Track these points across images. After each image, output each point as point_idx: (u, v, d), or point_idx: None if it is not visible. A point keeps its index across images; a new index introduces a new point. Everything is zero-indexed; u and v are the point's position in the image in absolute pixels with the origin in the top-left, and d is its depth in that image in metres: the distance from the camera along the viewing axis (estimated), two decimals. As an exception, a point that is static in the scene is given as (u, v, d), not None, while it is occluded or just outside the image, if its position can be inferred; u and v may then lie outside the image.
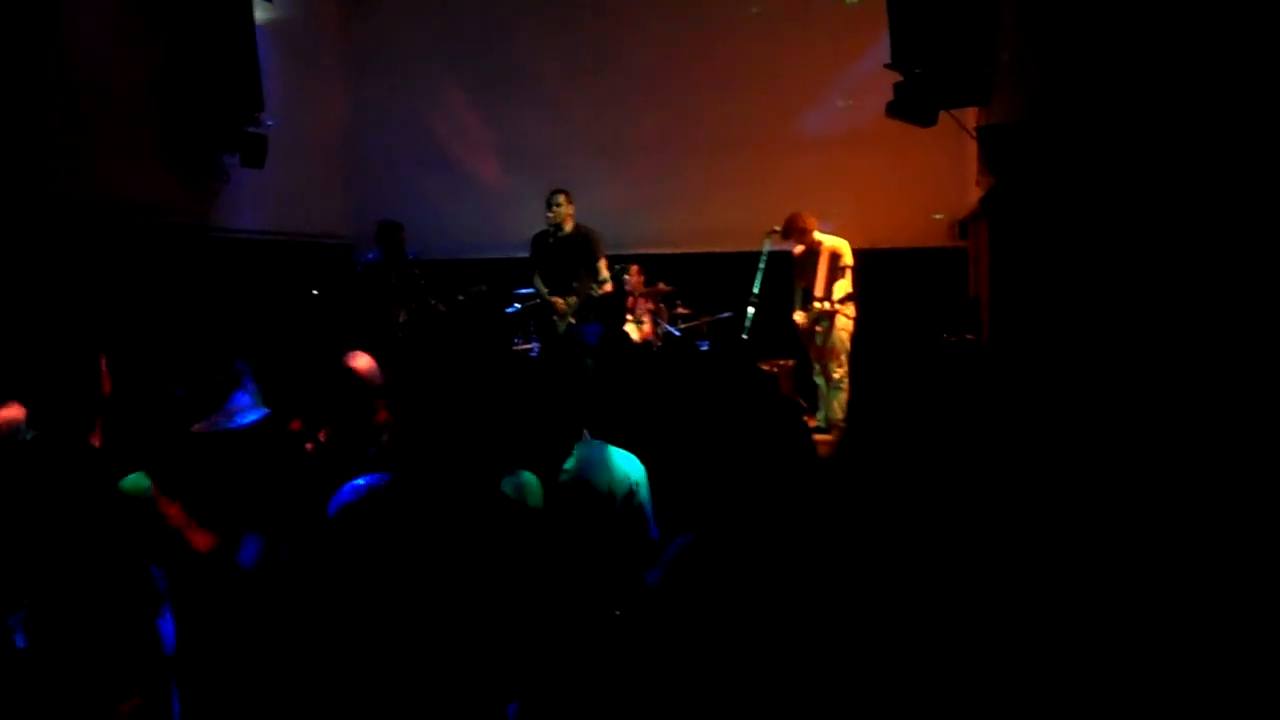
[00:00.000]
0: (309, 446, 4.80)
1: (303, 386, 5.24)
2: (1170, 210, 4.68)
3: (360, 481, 2.92)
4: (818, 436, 9.58)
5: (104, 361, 3.86)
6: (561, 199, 9.76)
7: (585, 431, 4.10)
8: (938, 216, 11.12)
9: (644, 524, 4.06)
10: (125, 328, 8.30)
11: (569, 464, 3.98)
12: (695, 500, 3.27)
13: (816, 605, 2.59)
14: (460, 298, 10.35)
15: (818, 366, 10.23)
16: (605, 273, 9.73)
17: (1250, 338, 3.95)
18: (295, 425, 4.66)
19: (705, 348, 10.75)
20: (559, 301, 9.80)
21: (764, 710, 2.56)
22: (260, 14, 10.71)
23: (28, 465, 3.67)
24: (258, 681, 4.32)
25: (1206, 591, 3.03)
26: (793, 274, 10.23)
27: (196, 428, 4.67)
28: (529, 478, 3.41)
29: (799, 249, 10.17)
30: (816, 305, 9.88)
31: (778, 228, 10.11)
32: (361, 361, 5.14)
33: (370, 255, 10.51)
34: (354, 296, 10.41)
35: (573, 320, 9.71)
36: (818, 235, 10.00)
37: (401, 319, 10.19)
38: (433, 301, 10.24)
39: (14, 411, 4.59)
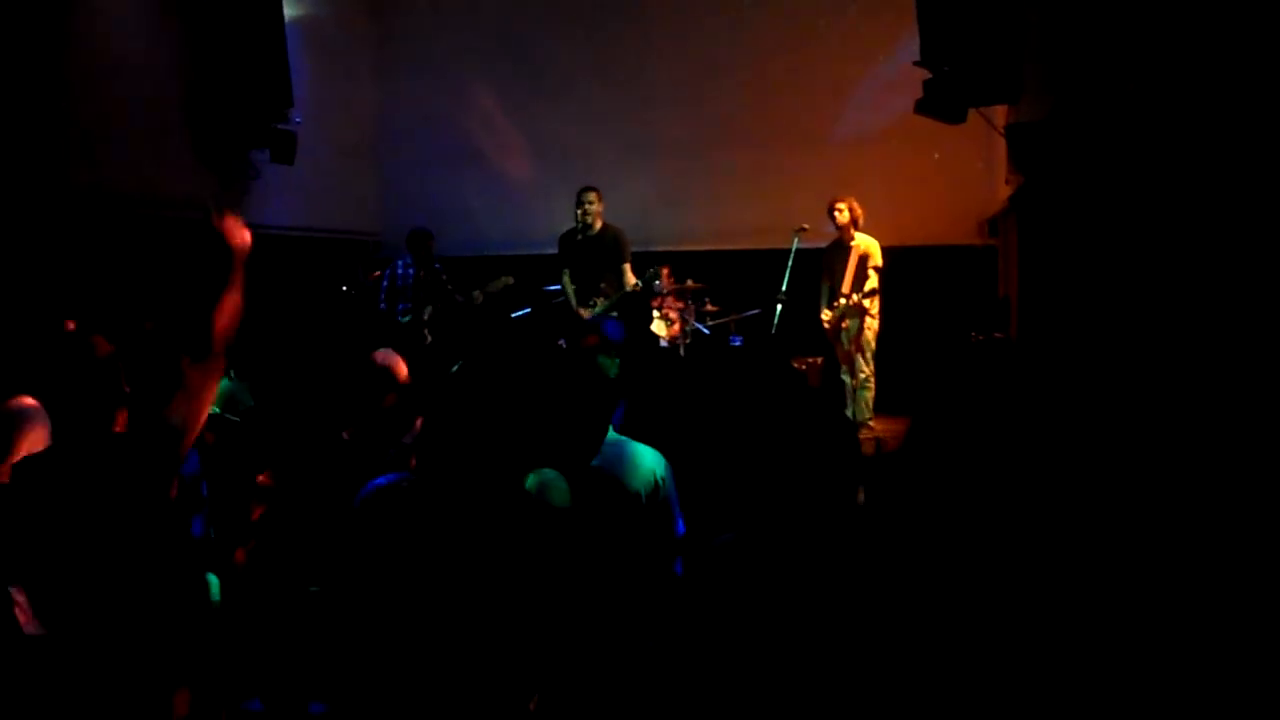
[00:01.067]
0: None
1: (328, 383, 5.25)
2: (1201, 207, 4.65)
3: (382, 480, 2.91)
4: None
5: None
6: (593, 197, 9.72)
7: (611, 428, 4.10)
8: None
9: (670, 520, 4.05)
10: (155, 322, 8.34)
11: (596, 460, 3.98)
12: (731, 497, 3.26)
13: (851, 605, 2.58)
14: (489, 289, 10.34)
15: (845, 365, 10.20)
16: (631, 278, 9.67)
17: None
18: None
19: (738, 343, 10.72)
20: (584, 313, 9.78)
21: (796, 709, 2.55)
22: (290, 10, 10.75)
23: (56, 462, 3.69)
24: (285, 675, 4.35)
25: (1248, 590, 3.00)
26: (821, 270, 10.20)
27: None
28: (552, 475, 3.40)
29: (829, 244, 10.14)
30: (842, 301, 9.86)
31: (806, 225, 10.08)
32: (388, 359, 5.14)
33: (399, 261, 10.54)
34: (383, 302, 10.43)
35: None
36: (853, 230, 9.95)
37: (427, 315, 10.22)
38: (460, 298, 10.27)
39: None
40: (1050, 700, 2.55)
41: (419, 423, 4.67)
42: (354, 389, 5.06)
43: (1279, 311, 3.98)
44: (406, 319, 10.25)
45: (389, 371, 5.05)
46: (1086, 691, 2.58)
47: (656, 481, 3.99)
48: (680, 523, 4.08)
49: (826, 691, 2.55)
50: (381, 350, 5.26)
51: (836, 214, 9.94)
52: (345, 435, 4.80)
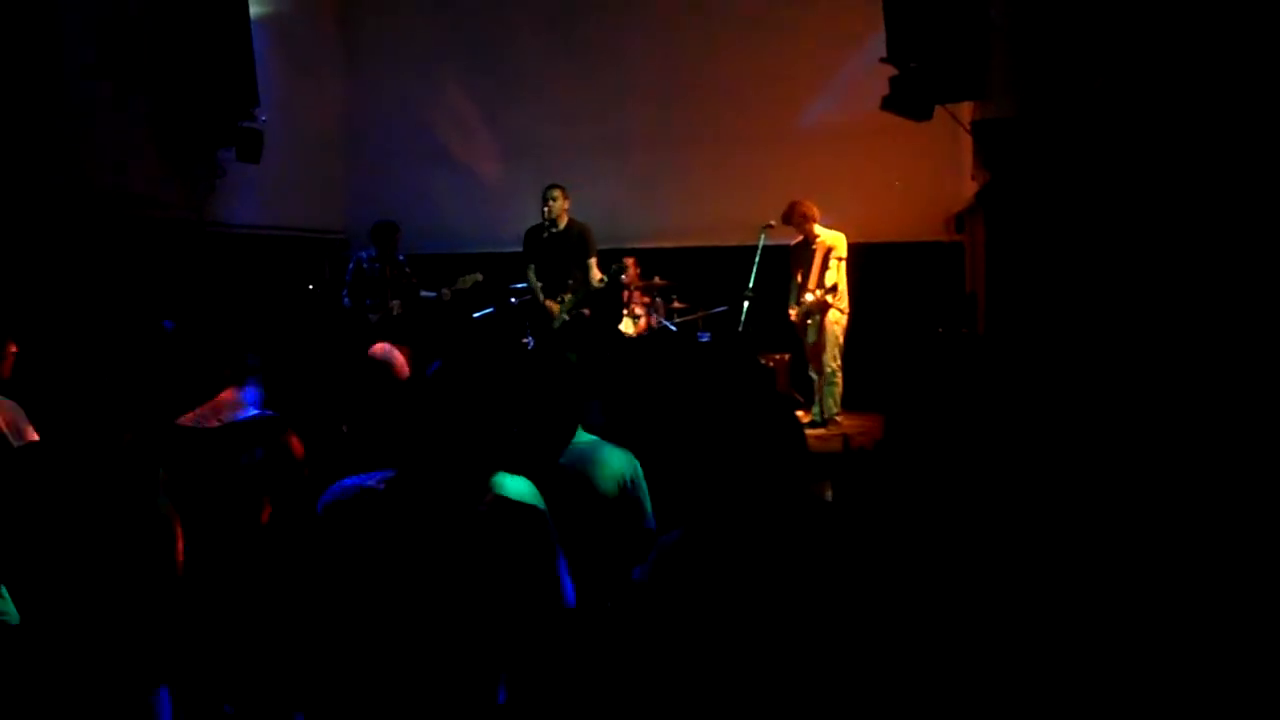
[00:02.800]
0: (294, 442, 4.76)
1: (328, 380, 5.21)
2: (1168, 203, 4.68)
3: (350, 481, 2.90)
4: (812, 431, 9.60)
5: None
6: (557, 194, 9.74)
7: (579, 427, 4.09)
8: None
9: (641, 520, 4.05)
10: (121, 322, 8.31)
11: (563, 459, 3.98)
12: (687, 495, 3.27)
13: (808, 602, 2.58)
14: (457, 287, 10.32)
15: (812, 361, 10.24)
16: (597, 271, 9.69)
17: (1244, 333, 3.96)
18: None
19: (706, 339, 10.75)
20: (553, 305, 9.78)
21: (749, 707, 2.55)
22: (256, 8, 10.69)
23: (48, 461, 3.68)
24: (252, 675, 4.33)
25: (1204, 589, 3.02)
26: (790, 266, 10.25)
27: (183, 420, 4.66)
28: (517, 482, 3.36)
29: (796, 240, 10.19)
30: (807, 297, 9.91)
31: (773, 221, 10.13)
32: (387, 354, 5.12)
33: (363, 253, 10.49)
34: (346, 297, 10.38)
35: (566, 318, 9.69)
36: (817, 228, 10.01)
37: (395, 311, 10.19)
38: (424, 294, 10.27)
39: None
40: (1011, 699, 2.56)
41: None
42: (352, 383, 5.04)
43: (1246, 306, 4.01)
44: (374, 316, 10.20)
45: (387, 366, 5.03)
46: (1049, 691, 2.59)
47: (625, 481, 3.99)
48: (651, 522, 4.08)
49: (770, 690, 2.55)
50: (379, 344, 5.23)
51: (798, 223, 10.03)
52: (344, 429, 4.77)
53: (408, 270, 10.37)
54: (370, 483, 2.85)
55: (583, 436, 4.05)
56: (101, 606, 3.53)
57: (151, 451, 3.85)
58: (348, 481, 2.89)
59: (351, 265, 10.46)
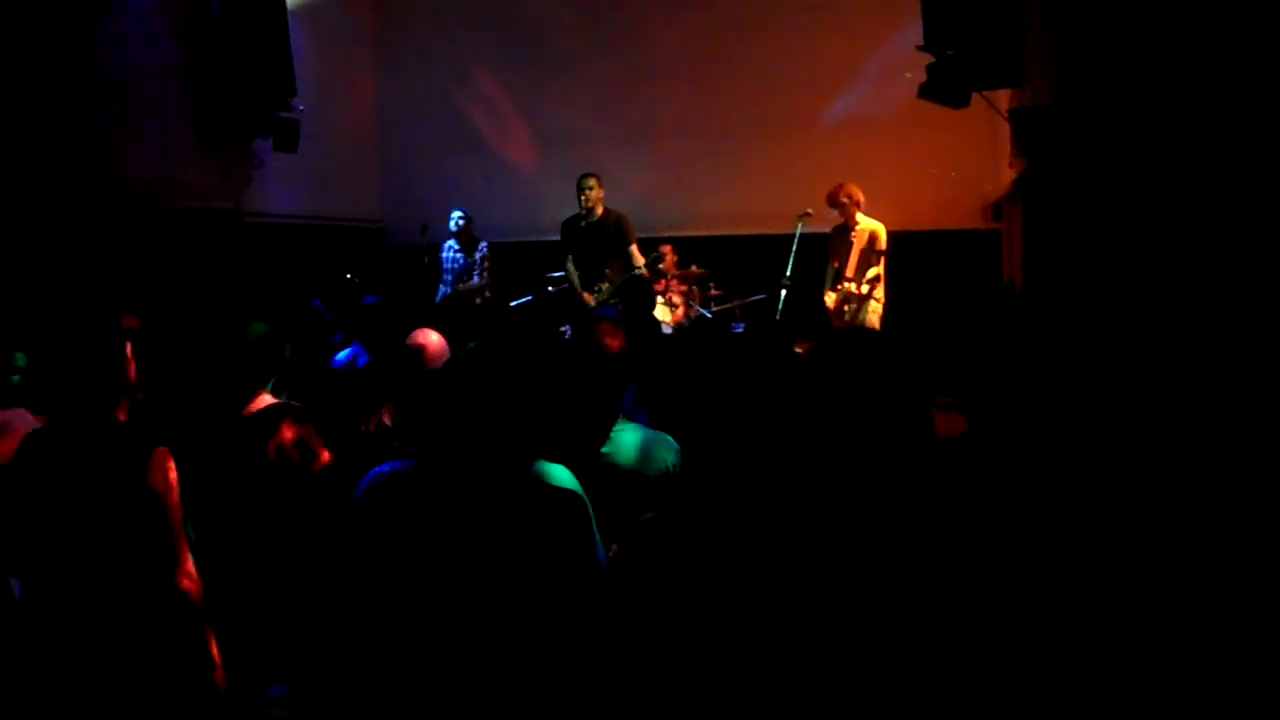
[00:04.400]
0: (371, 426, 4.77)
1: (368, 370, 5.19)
2: (1209, 192, 4.64)
3: (384, 467, 2.90)
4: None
5: (129, 347, 3.87)
6: (592, 182, 9.74)
7: (622, 415, 4.10)
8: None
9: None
10: (161, 311, 8.36)
11: (605, 448, 3.98)
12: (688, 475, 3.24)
13: (798, 590, 2.55)
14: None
15: (849, 350, 10.18)
16: (640, 257, 9.69)
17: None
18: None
19: (740, 329, 10.72)
20: (589, 297, 9.79)
21: (716, 691, 2.53)
22: (292, -1, 10.77)
23: (55, 445, 3.71)
24: (294, 660, 4.35)
25: (1257, 581, 2.98)
26: (827, 253, 10.20)
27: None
28: (557, 471, 3.37)
29: (834, 226, 10.13)
30: (846, 286, 9.86)
31: (810, 210, 10.08)
32: (431, 339, 5.08)
33: (445, 246, 10.79)
34: (444, 296, 10.67)
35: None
36: (859, 215, 9.95)
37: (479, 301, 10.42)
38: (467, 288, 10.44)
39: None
40: (1023, 699, 2.54)
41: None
42: (389, 372, 5.01)
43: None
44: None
45: (418, 352, 4.98)
46: (1066, 691, 2.56)
47: (667, 469, 3.99)
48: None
49: (739, 676, 2.53)
50: (421, 330, 5.19)
51: (842, 205, 9.95)
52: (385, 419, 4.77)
53: (486, 262, 10.65)
54: (405, 469, 2.85)
55: (625, 425, 4.05)
56: (113, 589, 3.56)
57: (150, 430, 3.88)
58: (383, 468, 2.89)
59: (440, 255, 10.88)
